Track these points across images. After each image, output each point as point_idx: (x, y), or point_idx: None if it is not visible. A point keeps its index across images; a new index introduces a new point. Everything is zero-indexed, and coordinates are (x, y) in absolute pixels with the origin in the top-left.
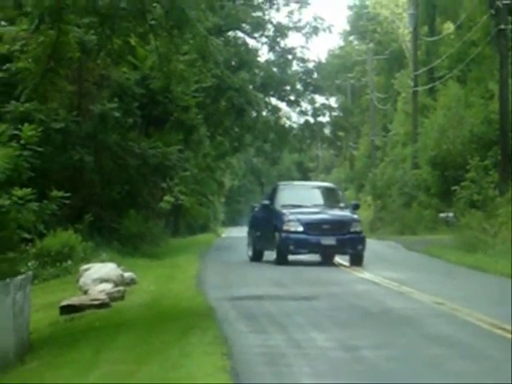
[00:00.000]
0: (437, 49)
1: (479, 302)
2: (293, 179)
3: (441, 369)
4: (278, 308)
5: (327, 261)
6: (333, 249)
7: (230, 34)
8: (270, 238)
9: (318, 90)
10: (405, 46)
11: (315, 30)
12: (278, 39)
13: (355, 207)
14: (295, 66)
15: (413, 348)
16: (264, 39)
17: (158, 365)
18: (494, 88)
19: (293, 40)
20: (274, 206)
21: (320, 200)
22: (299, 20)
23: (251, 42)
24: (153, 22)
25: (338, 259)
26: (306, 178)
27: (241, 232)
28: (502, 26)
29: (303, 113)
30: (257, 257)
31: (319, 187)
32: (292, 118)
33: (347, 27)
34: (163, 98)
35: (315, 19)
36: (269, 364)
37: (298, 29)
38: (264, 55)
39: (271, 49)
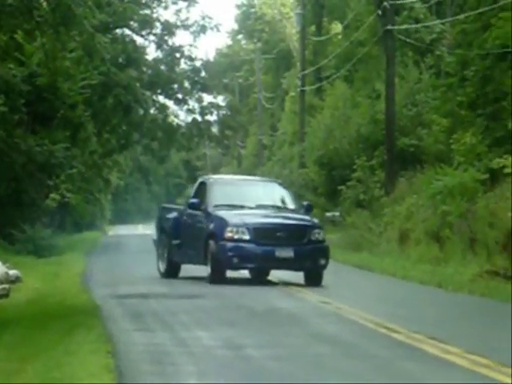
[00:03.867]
0: (324, 48)
1: (364, 300)
2: (180, 178)
3: (325, 368)
4: (163, 306)
5: (261, 277)
6: (289, 263)
7: (118, 31)
8: (200, 248)
9: (205, 88)
10: (292, 45)
11: (203, 29)
12: (166, 37)
13: (308, 209)
14: (183, 65)
15: (298, 347)
16: (152, 37)
17: (42, 363)
18: (380, 88)
19: (181, 38)
20: (205, 206)
21: (265, 199)
22: (187, 18)
23: (139, 40)
24: (39, 19)
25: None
26: (193, 177)
27: (127, 230)
28: (389, 27)
29: (191, 111)
30: (173, 272)
31: (261, 183)
32: (180, 116)
33: (235, 26)
34: (50, 94)
35: (203, 18)
36: (154, 362)
37: (185, 27)
38: (152, 53)
39: (159, 47)
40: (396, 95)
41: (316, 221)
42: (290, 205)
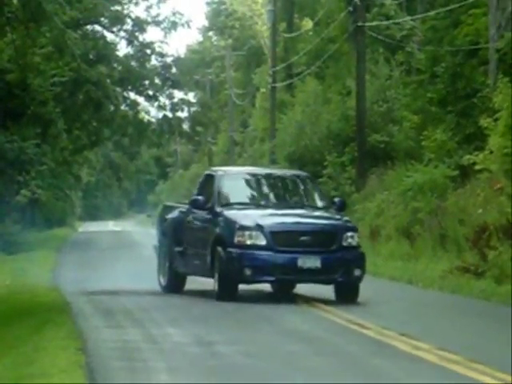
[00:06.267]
0: (295, 45)
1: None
2: (151, 174)
3: (296, 364)
4: (134, 303)
5: (286, 291)
6: (316, 274)
7: (88, 27)
8: (205, 256)
9: (176, 85)
10: (263, 42)
11: (174, 25)
12: (137, 33)
13: (341, 206)
14: (154, 61)
15: (269, 344)
16: (122, 33)
17: (12, 360)
18: (351, 85)
19: (151, 35)
20: (212, 205)
21: (286, 196)
22: (158, 15)
23: (109, 36)
24: (10, 15)
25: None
26: (164, 174)
27: (98, 227)
28: (360, 23)
29: (162, 107)
30: (176, 285)
31: (281, 176)
32: (150, 112)
33: (206, 23)
34: (20, 91)
35: (174, 14)
36: (124, 359)
37: (156, 23)
38: (122, 49)
39: (129, 43)
40: (367, 92)
41: (349, 222)
42: (318, 202)
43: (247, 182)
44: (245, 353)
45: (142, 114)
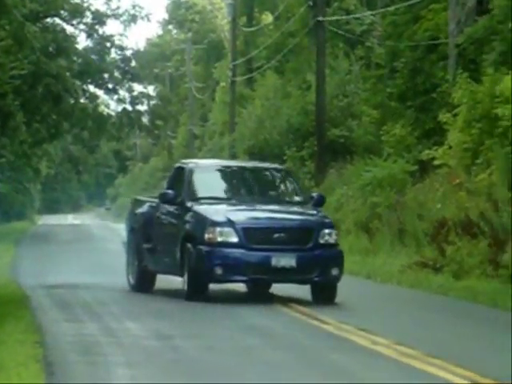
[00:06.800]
0: (255, 39)
1: (293, 291)
2: (110, 167)
3: (255, 358)
4: (93, 297)
5: (262, 290)
6: (290, 274)
7: (48, 20)
8: (174, 253)
9: (136, 78)
10: (223, 35)
11: (134, 18)
12: (97, 26)
13: (319, 201)
14: (113, 54)
15: (227, 338)
16: (82, 26)
17: None
18: (311, 79)
19: (111, 28)
20: (183, 200)
21: (262, 190)
22: (118, 8)
23: (69, 29)
24: None
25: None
26: (123, 167)
27: (57, 220)
28: (320, 18)
29: (121, 101)
30: (145, 284)
31: (257, 170)
32: (110, 105)
33: (166, 16)
34: None
35: (134, 7)
36: (83, 353)
37: (116, 16)
38: (82, 42)
39: (89, 36)
40: (326, 86)
41: (327, 218)
42: (295, 197)
43: (220, 175)
44: (203, 347)
45: (102, 107)
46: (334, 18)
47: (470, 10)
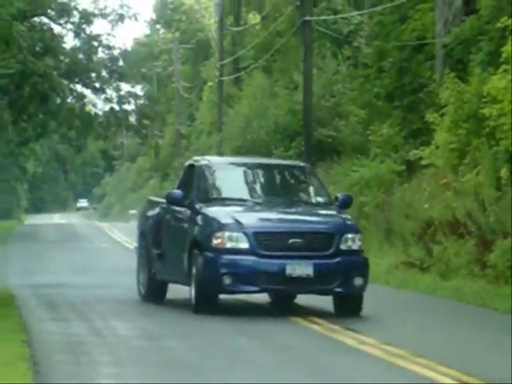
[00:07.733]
0: (242, 39)
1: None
2: (98, 167)
3: (242, 359)
4: (79, 296)
5: (286, 302)
6: (307, 284)
7: (35, 19)
8: (182, 260)
9: (123, 77)
10: (211, 35)
11: (121, 18)
12: (84, 26)
13: (345, 203)
14: (101, 54)
15: (216, 339)
16: (69, 25)
17: None
18: (298, 79)
19: (98, 27)
20: (192, 201)
21: (280, 191)
22: (105, 7)
23: (56, 28)
24: None
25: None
26: (110, 167)
27: (44, 219)
28: (307, 18)
29: (108, 100)
30: (157, 293)
31: (276, 168)
32: (97, 105)
33: (153, 15)
34: None
35: (121, 7)
36: (69, 352)
37: (103, 16)
38: (69, 42)
39: (77, 35)
40: (314, 86)
41: (350, 221)
42: (317, 197)
43: (234, 173)
44: (191, 347)
45: (89, 107)
46: (322, 17)
47: (457, 10)
